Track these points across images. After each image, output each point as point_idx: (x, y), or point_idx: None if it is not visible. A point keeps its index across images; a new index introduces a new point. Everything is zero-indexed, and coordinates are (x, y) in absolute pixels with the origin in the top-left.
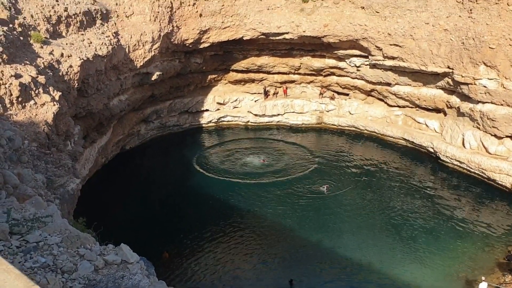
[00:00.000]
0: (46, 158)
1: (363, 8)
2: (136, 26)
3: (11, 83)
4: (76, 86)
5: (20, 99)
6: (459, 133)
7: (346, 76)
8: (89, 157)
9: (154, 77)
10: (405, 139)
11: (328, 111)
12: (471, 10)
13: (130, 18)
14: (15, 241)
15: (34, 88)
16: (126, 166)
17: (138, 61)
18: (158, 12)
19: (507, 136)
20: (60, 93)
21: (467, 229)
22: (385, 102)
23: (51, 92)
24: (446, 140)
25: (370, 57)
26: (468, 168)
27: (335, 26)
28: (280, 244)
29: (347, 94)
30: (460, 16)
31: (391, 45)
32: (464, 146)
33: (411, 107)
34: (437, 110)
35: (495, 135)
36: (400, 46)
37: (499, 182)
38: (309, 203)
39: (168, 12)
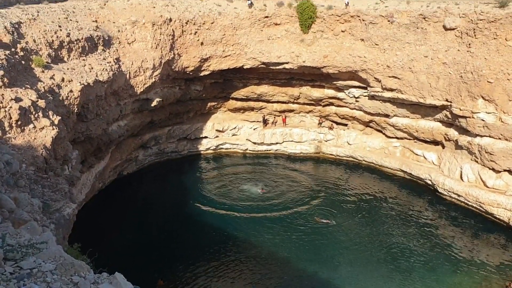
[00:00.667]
0: (43, 182)
1: (363, 40)
2: (137, 52)
3: (11, 107)
4: (75, 111)
5: (19, 122)
6: (457, 166)
7: (345, 106)
8: (86, 182)
9: (154, 104)
10: (403, 171)
11: (326, 141)
12: (469, 44)
13: (132, 45)
14: (9, 267)
15: (33, 112)
16: (123, 191)
17: (138, 87)
18: (160, 39)
19: (505, 170)
20: (60, 117)
21: (464, 262)
22: (384, 133)
23: (51, 116)
24: (444, 173)
25: (369, 88)
26: (466, 201)
27: (334, 57)
28: (276, 274)
29: (346, 125)
30: (458, 50)
31: (390, 77)
32: (462, 179)
33: (409, 139)
34: (435, 143)
35: (493, 169)
36: (398, 78)
37: (497, 216)
38: (306, 233)
39: (169, 40)
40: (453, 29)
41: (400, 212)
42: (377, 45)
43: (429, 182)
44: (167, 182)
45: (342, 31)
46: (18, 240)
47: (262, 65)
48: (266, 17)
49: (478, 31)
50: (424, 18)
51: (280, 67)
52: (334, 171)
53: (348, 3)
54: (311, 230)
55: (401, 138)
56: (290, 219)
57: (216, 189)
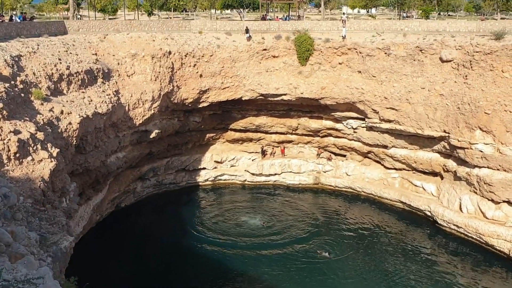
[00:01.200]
0: (40, 215)
1: (360, 72)
2: (137, 85)
3: (9, 139)
4: (74, 143)
5: (17, 155)
6: (456, 197)
7: (343, 137)
8: (83, 214)
9: (152, 135)
10: (402, 202)
11: (325, 172)
12: (466, 76)
13: (131, 77)
14: None
15: (32, 144)
16: (121, 224)
17: (137, 119)
18: (159, 72)
19: (504, 201)
20: (58, 149)
21: None
22: (382, 164)
23: (49, 149)
24: (443, 204)
25: (366, 119)
26: (465, 233)
27: (332, 89)
28: None
29: (344, 155)
30: (455, 81)
31: (387, 108)
32: (462, 210)
33: (408, 170)
34: (434, 174)
35: (492, 200)
36: (396, 110)
37: (497, 248)
38: (305, 267)
39: (169, 72)
40: (450, 61)
41: (399, 244)
42: (375, 77)
43: (429, 214)
44: (165, 214)
45: (339, 63)
46: (15, 275)
47: (261, 97)
48: (265, 49)
49: (475, 63)
50: (420, 50)
51: (278, 98)
52: (333, 202)
53: (345, 36)
54: (311, 263)
55: (400, 169)
56: (289, 252)
57: (214, 221)
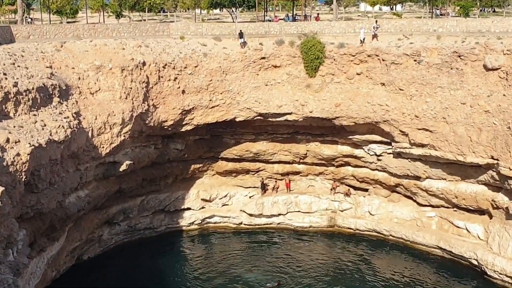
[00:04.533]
0: None
1: (384, 84)
2: (102, 104)
3: None
4: (23, 180)
5: None
6: (509, 241)
7: (364, 167)
8: (35, 270)
9: (122, 168)
10: (440, 248)
11: (342, 211)
12: None
13: (96, 95)
14: None
15: None
16: (83, 281)
17: (103, 147)
18: (131, 88)
19: None
20: (3, 188)
21: None
22: (414, 200)
23: None
24: (494, 250)
25: (393, 144)
26: None
27: (349, 106)
28: None
29: (366, 190)
30: (504, 95)
31: (419, 129)
32: None
33: (448, 207)
34: (481, 211)
35: None
36: (430, 131)
37: None
38: None
39: (143, 88)
40: (496, 69)
41: None
42: (402, 90)
43: (475, 262)
44: (139, 267)
45: (357, 74)
46: None
47: (259, 117)
48: (263, 58)
49: None
50: (459, 56)
51: (282, 118)
52: (354, 250)
53: (364, 39)
54: None
55: (437, 206)
56: None
57: (203, 277)
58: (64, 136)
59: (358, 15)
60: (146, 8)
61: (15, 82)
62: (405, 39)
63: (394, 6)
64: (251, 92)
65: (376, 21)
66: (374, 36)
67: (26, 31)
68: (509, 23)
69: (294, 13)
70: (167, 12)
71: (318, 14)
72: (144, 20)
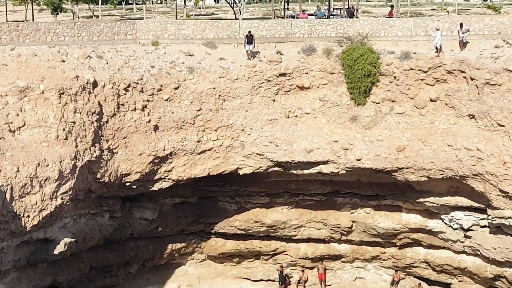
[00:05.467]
0: None
1: (473, 117)
2: (28, 149)
3: None
4: None
5: None
6: None
7: (444, 248)
8: None
9: (59, 249)
10: None
11: None
12: None
13: (19, 134)
14: None
15: None
16: None
17: (29, 216)
18: (74, 122)
19: None
20: None
21: None
22: None
23: None
24: None
25: (489, 211)
26: None
27: (418, 150)
28: None
29: (448, 285)
30: None
31: None
32: None
33: None
34: None
35: None
36: None
37: None
38: None
39: (93, 123)
40: None
41: None
42: (503, 126)
43: None
44: None
45: (431, 100)
46: None
47: (276, 168)
48: (283, 75)
49: None
50: None
51: (312, 170)
52: None
53: (440, 46)
54: None
55: None
56: None
57: None
58: None
59: (432, 9)
60: None
61: None
62: (507, 47)
63: None
64: (264, 128)
65: (461, 24)
66: (462, 44)
67: None
68: None
69: (331, 6)
70: (132, 3)
71: (353, 7)
72: (97, 16)
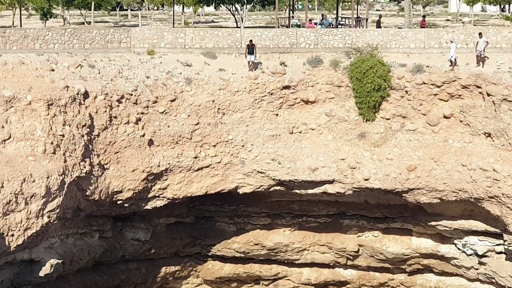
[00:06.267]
0: None
1: (489, 136)
2: (13, 163)
3: None
4: None
5: None
6: None
7: (457, 275)
8: None
9: (45, 271)
10: None
11: None
12: None
13: (4, 148)
14: None
15: None
16: None
17: (13, 236)
18: (63, 136)
19: None
20: None
21: None
22: None
23: None
24: None
25: (506, 236)
26: None
27: (431, 170)
28: None
29: None
30: None
31: None
32: None
33: None
34: None
35: None
36: None
37: None
38: None
39: (83, 136)
40: None
41: None
42: None
43: None
44: None
45: (445, 117)
46: None
47: (278, 187)
48: (287, 87)
49: None
50: None
51: (317, 190)
52: None
53: (455, 60)
54: None
55: None
56: None
57: None
58: None
59: (446, 19)
60: (93, 3)
61: None
62: None
63: (507, 6)
64: (266, 144)
65: (480, 33)
66: (480, 60)
67: None
68: None
69: (339, 14)
70: (127, 8)
71: (380, 16)
72: (89, 23)
